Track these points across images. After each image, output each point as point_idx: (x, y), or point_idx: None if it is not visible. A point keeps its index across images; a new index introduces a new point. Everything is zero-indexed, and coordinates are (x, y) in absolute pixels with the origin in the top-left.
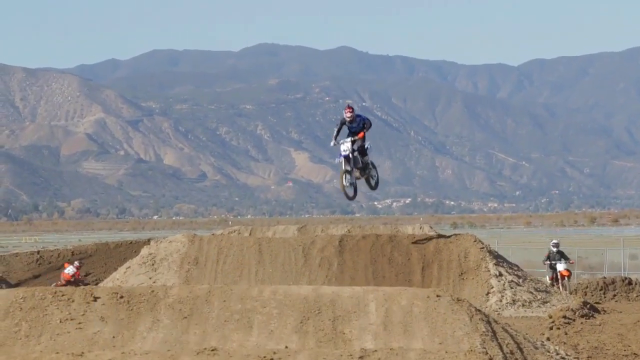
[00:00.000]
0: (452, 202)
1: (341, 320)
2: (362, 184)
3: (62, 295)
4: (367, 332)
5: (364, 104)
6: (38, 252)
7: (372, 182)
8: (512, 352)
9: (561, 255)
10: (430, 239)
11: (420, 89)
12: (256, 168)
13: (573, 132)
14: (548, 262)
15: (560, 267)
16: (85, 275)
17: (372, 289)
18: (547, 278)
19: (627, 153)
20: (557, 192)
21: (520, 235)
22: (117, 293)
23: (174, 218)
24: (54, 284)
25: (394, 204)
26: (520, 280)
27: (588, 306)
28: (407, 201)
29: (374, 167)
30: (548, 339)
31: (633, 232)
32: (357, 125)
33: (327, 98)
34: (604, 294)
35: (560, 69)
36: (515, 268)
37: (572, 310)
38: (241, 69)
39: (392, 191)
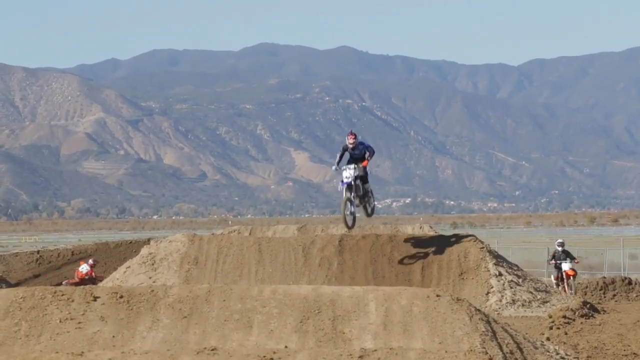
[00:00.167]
0: (452, 202)
1: (341, 319)
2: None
3: (62, 295)
4: (366, 332)
5: (364, 103)
6: (38, 251)
7: (369, 209)
8: (511, 352)
9: (567, 255)
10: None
11: (420, 89)
12: (256, 168)
13: (573, 132)
14: (553, 262)
15: (566, 266)
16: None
17: (372, 289)
18: (552, 277)
19: (627, 153)
20: (557, 192)
21: (520, 235)
22: (117, 293)
23: (173, 218)
24: (66, 281)
25: (394, 203)
26: (520, 280)
27: (588, 306)
28: (407, 201)
29: (372, 195)
30: (548, 338)
31: (633, 232)
32: (360, 153)
33: (327, 98)
34: (604, 293)
35: (560, 69)
36: (515, 268)
37: (571, 310)
38: (241, 69)
39: (392, 191)
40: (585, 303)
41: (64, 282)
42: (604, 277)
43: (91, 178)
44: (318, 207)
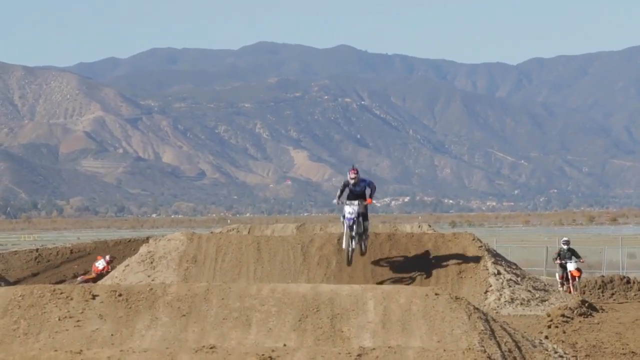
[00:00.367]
0: (451, 201)
1: (340, 318)
2: None
3: (61, 293)
4: (365, 330)
5: (363, 102)
6: (37, 250)
7: (363, 247)
8: (510, 351)
9: (572, 254)
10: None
11: (419, 88)
12: (255, 166)
13: (572, 131)
14: (558, 261)
15: (571, 266)
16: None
17: (370, 287)
18: (557, 277)
19: (626, 152)
20: (555, 191)
21: (519, 234)
22: (116, 291)
23: (172, 216)
24: (81, 277)
25: (393, 202)
26: (519, 279)
27: (586, 305)
28: (406, 200)
29: (368, 233)
30: (546, 337)
31: (631, 231)
32: (361, 189)
33: (326, 97)
34: (603, 292)
35: (560, 68)
36: (514, 267)
37: (570, 308)
38: (240, 68)
39: (390, 190)
40: (583, 302)
41: (79, 278)
42: (603, 276)
43: (90, 176)
44: (317, 205)
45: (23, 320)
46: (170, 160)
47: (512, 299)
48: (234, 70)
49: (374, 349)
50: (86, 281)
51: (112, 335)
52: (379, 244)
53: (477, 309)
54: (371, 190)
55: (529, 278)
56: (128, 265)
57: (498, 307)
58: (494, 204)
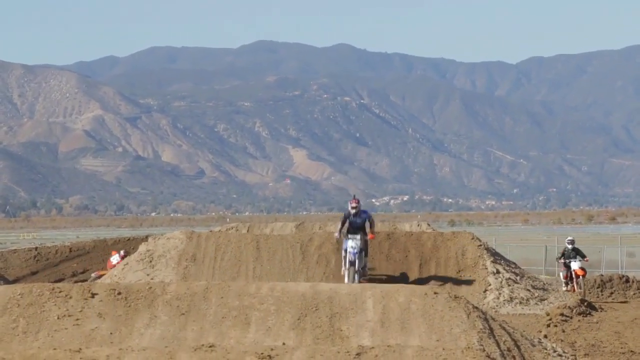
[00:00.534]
0: (450, 200)
1: (338, 317)
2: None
3: (60, 292)
4: (364, 329)
5: (362, 101)
6: (36, 248)
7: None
8: (509, 350)
9: (577, 253)
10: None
11: (418, 87)
12: (254, 165)
13: (571, 130)
14: (562, 260)
15: (575, 265)
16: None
17: (369, 286)
18: (561, 276)
19: (625, 151)
20: (554, 190)
21: (518, 232)
22: (115, 289)
23: (172, 215)
24: (96, 273)
25: (392, 201)
26: (518, 278)
27: (585, 304)
28: (405, 198)
29: (366, 269)
30: (545, 336)
31: (630, 230)
32: (361, 222)
33: (325, 95)
34: (602, 291)
35: (559, 67)
36: (513, 265)
37: (569, 307)
38: (239, 66)
39: (389, 188)
40: (582, 301)
41: (93, 274)
42: (602, 275)
43: (89, 175)
44: (316, 204)
45: (22, 318)
46: (169, 159)
47: (511, 297)
48: (233, 69)
49: (373, 347)
50: (100, 276)
51: (111, 333)
52: (378, 242)
53: (476, 307)
54: (371, 225)
55: (528, 277)
56: (127, 263)
57: (497, 306)
58: (493, 202)
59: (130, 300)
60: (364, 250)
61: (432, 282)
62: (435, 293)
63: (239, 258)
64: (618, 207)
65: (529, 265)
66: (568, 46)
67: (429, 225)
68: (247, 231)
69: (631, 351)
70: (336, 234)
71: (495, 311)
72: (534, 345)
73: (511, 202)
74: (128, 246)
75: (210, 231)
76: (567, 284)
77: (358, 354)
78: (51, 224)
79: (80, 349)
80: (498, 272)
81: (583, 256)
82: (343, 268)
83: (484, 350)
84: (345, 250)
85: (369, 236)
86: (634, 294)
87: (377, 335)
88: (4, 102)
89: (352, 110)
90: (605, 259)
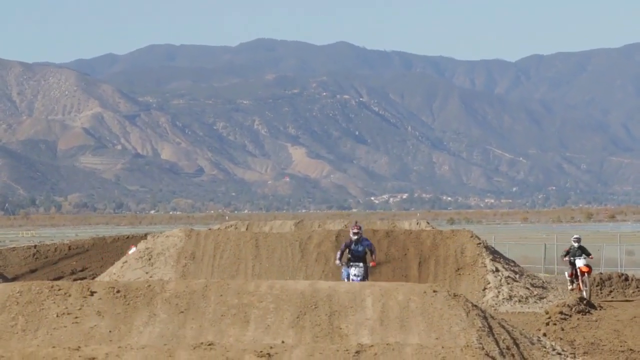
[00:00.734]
0: (449, 198)
1: (338, 315)
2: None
3: (59, 290)
4: (363, 327)
5: (361, 99)
6: (35, 246)
7: None
8: (508, 348)
9: (582, 251)
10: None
11: (417, 85)
12: (253, 163)
13: (570, 128)
14: (567, 258)
15: (580, 263)
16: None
17: (368, 284)
18: (566, 274)
19: (624, 149)
20: (554, 188)
21: (517, 231)
22: (114, 287)
23: (171, 213)
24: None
25: (391, 199)
26: (517, 276)
27: (584, 302)
28: (404, 197)
29: None
30: (544, 334)
31: (630, 228)
32: (362, 250)
33: (324, 93)
34: (601, 290)
35: (558, 65)
36: (512, 264)
37: (568, 306)
38: (238, 64)
39: (389, 186)
40: (581, 299)
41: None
42: (601, 274)
43: (88, 173)
44: (315, 202)
45: (21, 316)
46: (168, 156)
47: (510, 296)
48: (232, 66)
49: (372, 345)
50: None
51: (110, 331)
52: (378, 240)
53: (476, 306)
54: (372, 253)
55: (527, 275)
56: (126, 261)
57: (496, 304)
58: (492, 201)
59: (129, 299)
60: (366, 278)
61: (431, 280)
62: (434, 291)
63: (238, 256)
64: (617, 205)
65: (528, 263)
66: (567, 44)
67: (428, 223)
68: (246, 229)
69: (630, 349)
70: (337, 262)
71: (495, 309)
72: (533, 344)
73: (510, 201)
74: (127, 244)
75: (210, 229)
76: (572, 282)
77: (357, 352)
78: (50, 222)
79: (79, 347)
80: (497, 270)
81: (588, 254)
82: None
83: (483, 348)
84: (348, 278)
85: (371, 263)
86: (633, 292)
87: (377, 334)
88: (3, 100)
89: (351, 108)
90: (604, 257)
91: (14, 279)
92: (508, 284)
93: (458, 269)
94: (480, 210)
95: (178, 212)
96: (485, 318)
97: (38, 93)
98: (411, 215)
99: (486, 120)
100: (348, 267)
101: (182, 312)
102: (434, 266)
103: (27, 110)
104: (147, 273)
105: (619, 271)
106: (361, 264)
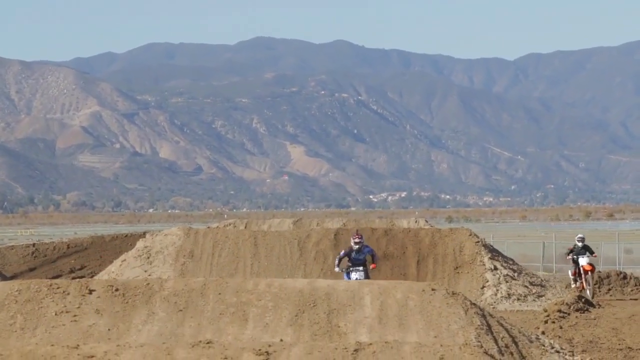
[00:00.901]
0: (448, 196)
1: (336, 313)
2: None
3: (58, 288)
4: (362, 326)
5: (359, 97)
6: (34, 244)
7: None
8: (507, 346)
9: (586, 250)
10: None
11: (416, 83)
12: (252, 161)
13: (569, 127)
14: (570, 257)
15: (583, 261)
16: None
17: (367, 282)
18: (570, 273)
19: (623, 147)
20: (552, 186)
21: (516, 229)
22: (113, 286)
23: (169, 211)
24: None
25: (390, 197)
26: (516, 274)
27: (583, 300)
28: (403, 195)
29: None
30: (543, 332)
31: (628, 227)
32: (363, 258)
33: (323, 92)
34: (599, 288)
35: (557, 63)
36: (511, 262)
37: (567, 304)
38: (237, 63)
39: (387, 185)
40: (580, 297)
41: None
42: (599, 272)
43: (87, 171)
44: (314, 200)
45: (20, 315)
46: (167, 155)
47: (508, 294)
48: (231, 65)
49: (370, 344)
50: None
51: (108, 330)
52: (376, 239)
53: (474, 304)
54: (373, 257)
55: (526, 273)
56: (125, 260)
57: (495, 302)
58: (491, 199)
59: (127, 297)
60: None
61: (430, 278)
62: (432, 289)
63: (237, 254)
64: (616, 204)
65: (527, 261)
66: (566, 42)
67: (426, 221)
68: (245, 227)
69: (629, 347)
70: (336, 269)
71: (493, 307)
72: (531, 342)
73: (509, 199)
74: (126, 242)
75: (208, 227)
76: (575, 280)
77: (356, 350)
78: (49, 221)
79: (78, 345)
80: (496, 268)
81: (592, 252)
82: None
83: (482, 346)
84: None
85: (371, 266)
86: (632, 290)
87: (375, 332)
88: (2, 98)
89: (350, 107)
90: (602, 256)
91: (12, 278)
92: (506, 282)
93: (456, 267)
94: (479, 209)
95: (176, 211)
96: (483, 316)
97: (36, 91)
98: (410, 213)
99: (485, 119)
100: (348, 272)
101: (181, 310)
102: (432, 264)
103: (25, 108)
104: (145, 271)
105: (617, 269)
106: (361, 268)
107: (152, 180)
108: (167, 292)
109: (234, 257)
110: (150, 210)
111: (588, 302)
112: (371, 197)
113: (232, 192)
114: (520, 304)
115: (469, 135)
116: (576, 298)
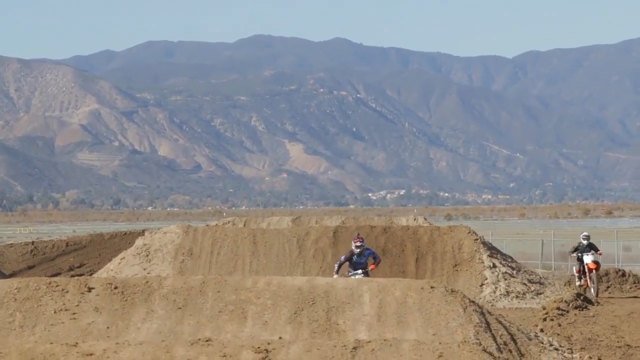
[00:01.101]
0: (447, 194)
1: (335, 311)
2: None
3: (57, 286)
4: (361, 323)
5: (358, 95)
6: (32, 242)
7: None
8: (505, 343)
9: (591, 248)
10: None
11: (414, 81)
12: (251, 159)
13: (567, 124)
14: (575, 255)
15: (587, 259)
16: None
17: (366, 280)
18: (574, 270)
19: (621, 145)
20: (551, 184)
21: (514, 226)
22: (112, 284)
23: (168, 209)
24: None
25: (388, 195)
26: (514, 272)
27: (582, 298)
28: (402, 193)
29: None
30: (542, 330)
31: (627, 224)
32: (364, 261)
33: (322, 89)
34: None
35: (555, 61)
36: (509, 259)
37: (565, 301)
38: (236, 61)
39: (386, 183)
40: (579, 295)
41: None
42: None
43: (86, 169)
44: (312, 198)
45: (19, 313)
46: (166, 153)
47: (507, 292)
48: (230, 63)
49: (369, 341)
50: None
51: (107, 327)
52: (375, 237)
53: (473, 301)
54: (375, 259)
55: (525, 271)
56: (124, 258)
57: (493, 300)
58: (490, 197)
59: (126, 295)
60: None
61: (429, 276)
62: (431, 287)
63: (236, 252)
64: (614, 201)
65: (526, 259)
66: (564, 40)
67: (425, 219)
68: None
69: (627, 345)
70: (335, 275)
71: (492, 305)
72: (530, 339)
73: (507, 196)
74: (125, 240)
75: (207, 225)
76: (580, 278)
77: (355, 348)
78: (48, 218)
79: (76, 343)
80: (494, 266)
81: (596, 249)
82: None
83: (481, 344)
84: None
85: (371, 267)
86: (631, 287)
87: (374, 329)
88: (0, 96)
89: (349, 105)
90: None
91: (11, 276)
92: (505, 279)
93: (455, 265)
94: (478, 206)
95: (175, 209)
96: (482, 314)
97: (35, 89)
98: (408, 211)
99: (483, 117)
100: (348, 276)
101: (180, 308)
102: (431, 262)
103: (24, 106)
104: (144, 269)
105: (616, 267)
106: (360, 271)
107: (151, 178)
108: (166, 290)
109: (232, 255)
110: (149, 208)
111: (587, 300)
112: (370, 195)
113: (231, 190)
114: (519, 302)
115: (468, 133)
116: (575, 296)
